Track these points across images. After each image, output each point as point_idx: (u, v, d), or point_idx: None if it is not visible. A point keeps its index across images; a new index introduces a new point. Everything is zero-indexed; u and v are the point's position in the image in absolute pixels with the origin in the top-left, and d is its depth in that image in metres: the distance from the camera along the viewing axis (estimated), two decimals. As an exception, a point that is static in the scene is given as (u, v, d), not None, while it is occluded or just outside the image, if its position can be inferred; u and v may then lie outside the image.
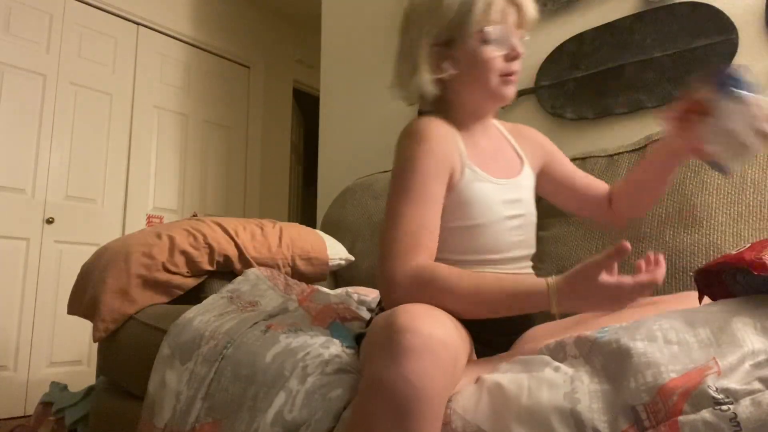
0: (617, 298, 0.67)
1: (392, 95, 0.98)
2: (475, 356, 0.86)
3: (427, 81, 0.90)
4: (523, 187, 0.96)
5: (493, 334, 0.89)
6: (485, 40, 0.87)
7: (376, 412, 0.59)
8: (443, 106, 0.94)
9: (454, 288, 0.75)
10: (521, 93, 1.75)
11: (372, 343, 0.64)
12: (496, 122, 1.04)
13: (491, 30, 0.86)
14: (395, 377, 0.58)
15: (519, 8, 0.88)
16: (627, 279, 0.66)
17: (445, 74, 0.90)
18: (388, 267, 0.79)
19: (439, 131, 0.88)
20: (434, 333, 0.60)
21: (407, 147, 0.86)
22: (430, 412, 0.58)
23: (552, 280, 0.71)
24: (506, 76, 0.89)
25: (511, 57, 0.89)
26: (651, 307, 0.81)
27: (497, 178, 0.92)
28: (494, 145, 0.99)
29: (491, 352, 0.85)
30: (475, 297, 0.75)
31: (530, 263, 0.99)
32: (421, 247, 0.80)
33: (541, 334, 0.90)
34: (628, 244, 0.64)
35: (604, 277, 0.66)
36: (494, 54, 0.87)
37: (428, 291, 0.76)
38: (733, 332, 0.53)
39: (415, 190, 0.82)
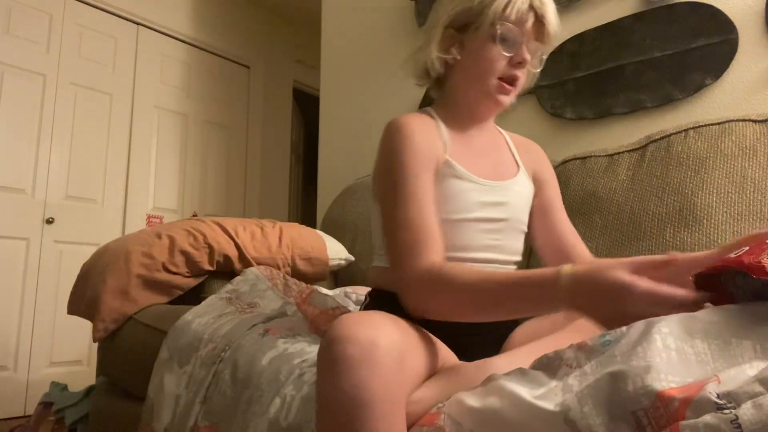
0: (638, 313, 0.58)
1: (403, 70, 0.99)
2: (456, 359, 0.84)
3: (432, 56, 0.91)
4: (514, 192, 0.94)
5: (471, 333, 0.86)
6: (495, 37, 0.86)
7: (324, 427, 0.59)
8: (443, 95, 0.96)
9: (463, 284, 0.71)
10: (521, 93, 1.74)
11: (317, 357, 0.63)
12: (502, 130, 1.04)
13: (502, 29, 0.85)
14: (332, 390, 0.58)
15: (539, 17, 0.87)
16: (665, 289, 0.57)
17: (450, 57, 0.91)
18: (398, 274, 0.77)
19: (418, 124, 0.88)
20: (362, 337, 0.59)
21: (390, 144, 0.85)
22: (374, 419, 0.57)
23: (568, 269, 0.63)
24: (505, 81, 0.89)
25: (515, 62, 0.88)
26: None
27: (481, 177, 0.90)
28: (489, 145, 0.97)
29: (476, 357, 0.82)
30: (481, 290, 0.70)
31: (509, 269, 0.94)
32: (425, 247, 0.77)
33: (532, 331, 0.88)
34: (677, 256, 0.58)
35: (639, 283, 0.57)
36: (499, 54, 0.87)
37: (438, 292, 0.73)
38: (733, 356, 0.52)
39: (406, 189, 0.81)
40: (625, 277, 0.59)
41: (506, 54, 0.87)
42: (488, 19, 0.86)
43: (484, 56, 0.87)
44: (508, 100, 0.91)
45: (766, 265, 0.54)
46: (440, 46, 0.91)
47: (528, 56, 0.88)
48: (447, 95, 0.96)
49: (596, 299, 0.61)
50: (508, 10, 0.85)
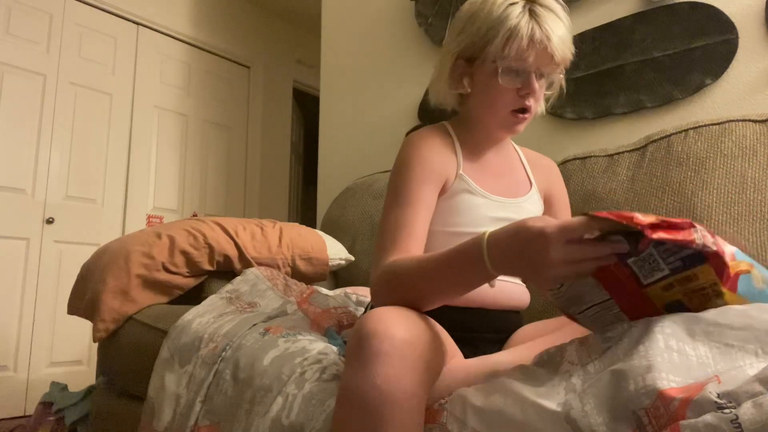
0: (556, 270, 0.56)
1: (429, 99, 1.01)
2: (461, 355, 0.85)
3: (444, 91, 0.93)
4: (524, 210, 0.96)
5: (480, 330, 0.89)
6: (500, 71, 0.86)
7: (349, 420, 0.60)
8: (460, 118, 0.98)
9: (409, 274, 0.73)
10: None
11: (346, 351, 0.65)
12: (516, 146, 1.06)
13: (503, 65, 0.85)
14: (363, 383, 0.59)
15: (542, 47, 0.84)
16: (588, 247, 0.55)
17: (462, 90, 0.92)
18: (372, 270, 0.81)
19: (432, 139, 0.90)
20: (399, 335, 0.60)
21: (403, 154, 0.89)
22: (402, 415, 0.58)
23: (490, 231, 0.64)
24: (517, 111, 0.89)
25: (524, 93, 0.87)
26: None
27: (493, 194, 0.92)
28: (503, 165, 0.99)
29: (479, 352, 0.84)
30: (422, 273, 0.71)
31: (517, 282, 0.95)
32: (395, 247, 0.80)
33: (533, 332, 0.89)
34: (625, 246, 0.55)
35: (553, 229, 0.56)
36: (506, 86, 0.86)
37: (392, 287, 0.74)
38: (734, 360, 0.52)
39: (402, 194, 0.84)
40: (538, 223, 0.58)
41: (512, 86, 0.87)
42: (490, 56, 0.86)
43: (493, 90, 0.88)
44: (521, 128, 0.92)
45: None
46: (451, 77, 0.92)
47: (536, 86, 0.87)
48: (464, 119, 0.98)
49: (515, 253, 0.60)
50: (506, 51, 0.84)
